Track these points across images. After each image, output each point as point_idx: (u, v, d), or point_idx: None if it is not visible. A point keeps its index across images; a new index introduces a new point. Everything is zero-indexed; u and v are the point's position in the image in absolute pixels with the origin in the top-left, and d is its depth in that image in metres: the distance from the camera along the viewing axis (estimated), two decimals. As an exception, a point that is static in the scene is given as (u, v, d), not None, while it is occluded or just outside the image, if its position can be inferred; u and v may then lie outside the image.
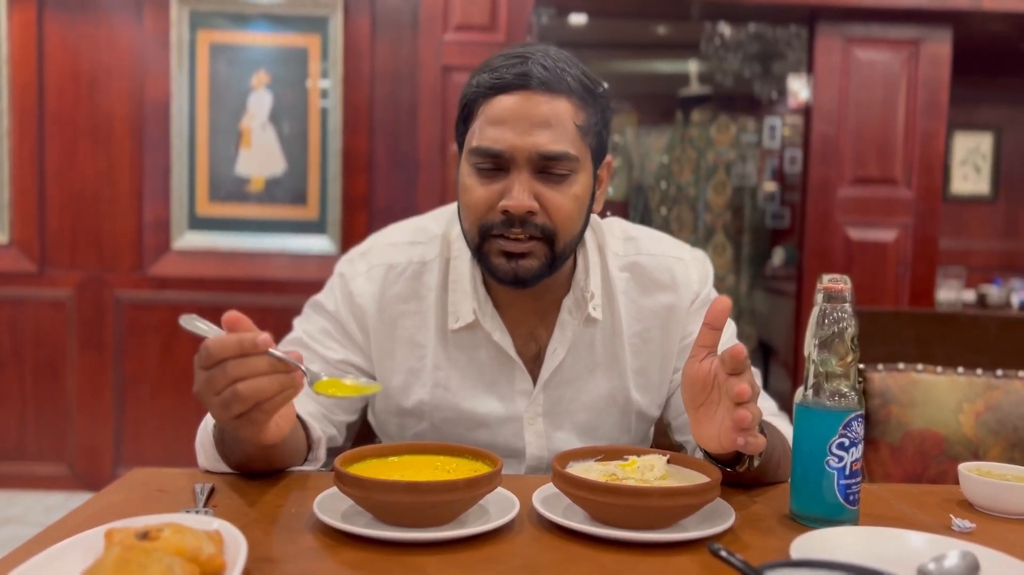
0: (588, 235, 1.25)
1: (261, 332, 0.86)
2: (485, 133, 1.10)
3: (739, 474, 1.03)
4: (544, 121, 1.09)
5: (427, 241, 1.26)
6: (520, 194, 1.09)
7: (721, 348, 0.98)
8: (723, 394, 0.94)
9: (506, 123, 1.09)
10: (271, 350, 0.86)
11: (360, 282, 1.23)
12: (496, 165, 1.11)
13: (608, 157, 1.22)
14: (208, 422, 1.09)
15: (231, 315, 0.88)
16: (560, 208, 1.11)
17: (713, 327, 0.97)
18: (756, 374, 1.22)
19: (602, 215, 1.36)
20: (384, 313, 1.23)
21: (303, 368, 0.90)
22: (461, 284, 1.22)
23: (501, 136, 1.09)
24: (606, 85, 1.19)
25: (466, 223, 1.16)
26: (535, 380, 1.23)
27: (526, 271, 1.12)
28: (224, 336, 0.86)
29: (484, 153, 1.10)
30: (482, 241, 1.13)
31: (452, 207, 1.31)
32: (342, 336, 1.24)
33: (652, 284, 1.26)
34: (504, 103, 1.10)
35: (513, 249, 1.11)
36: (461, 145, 1.19)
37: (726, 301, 0.97)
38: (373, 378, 1.26)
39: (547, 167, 1.10)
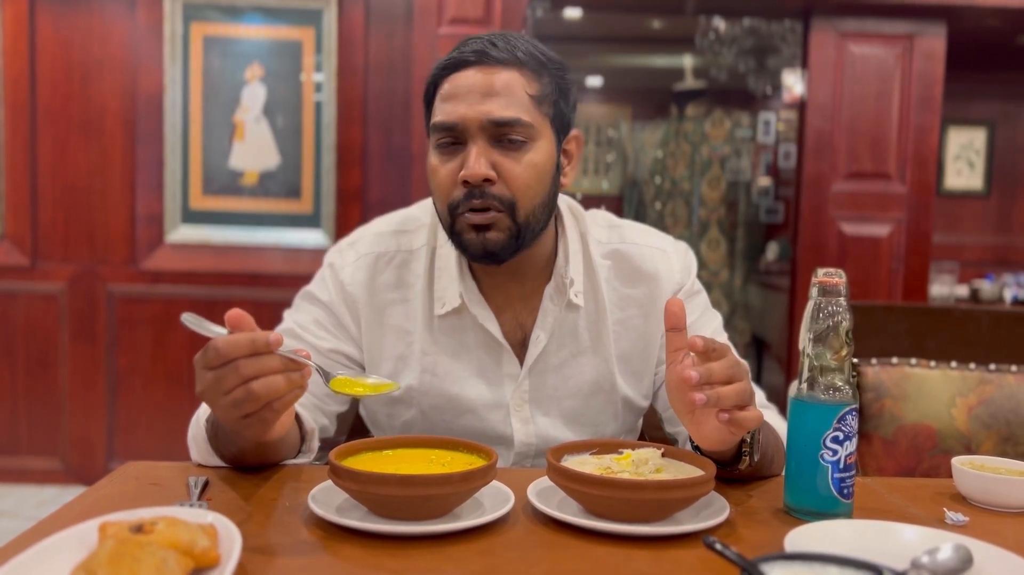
0: (570, 222, 1.27)
1: (269, 332, 0.85)
2: (441, 109, 1.15)
3: (737, 470, 1.03)
4: (494, 91, 1.13)
5: (414, 230, 1.28)
6: (475, 162, 1.11)
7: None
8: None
9: (458, 96, 1.13)
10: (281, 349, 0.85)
11: (349, 271, 1.25)
12: (454, 139, 1.14)
13: (575, 131, 1.24)
14: (200, 416, 1.08)
15: (235, 313, 0.87)
16: (517, 176, 1.13)
17: (677, 329, 0.96)
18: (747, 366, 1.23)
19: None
20: (373, 301, 1.24)
21: (314, 366, 0.89)
22: (448, 270, 1.23)
23: (454, 109, 1.13)
24: (563, 62, 1.21)
25: (438, 204, 1.18)
26: (522, 365, 1.24)
27: (493, 243, 1.13)
28: (234, 335, 0.85)
29: (440, 128, 1.14)
30: (452, 220, 1.15)
31: None
32: (334, 326, 1.24)
33: (635, 273, 1.27)
34: (457, 79, 1.15)
35: (478, 221, 1.13)
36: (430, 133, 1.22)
37: (679, 301, 0.98)
38: (363, 368, 1.26)
39: (502, 134, 1.13)
